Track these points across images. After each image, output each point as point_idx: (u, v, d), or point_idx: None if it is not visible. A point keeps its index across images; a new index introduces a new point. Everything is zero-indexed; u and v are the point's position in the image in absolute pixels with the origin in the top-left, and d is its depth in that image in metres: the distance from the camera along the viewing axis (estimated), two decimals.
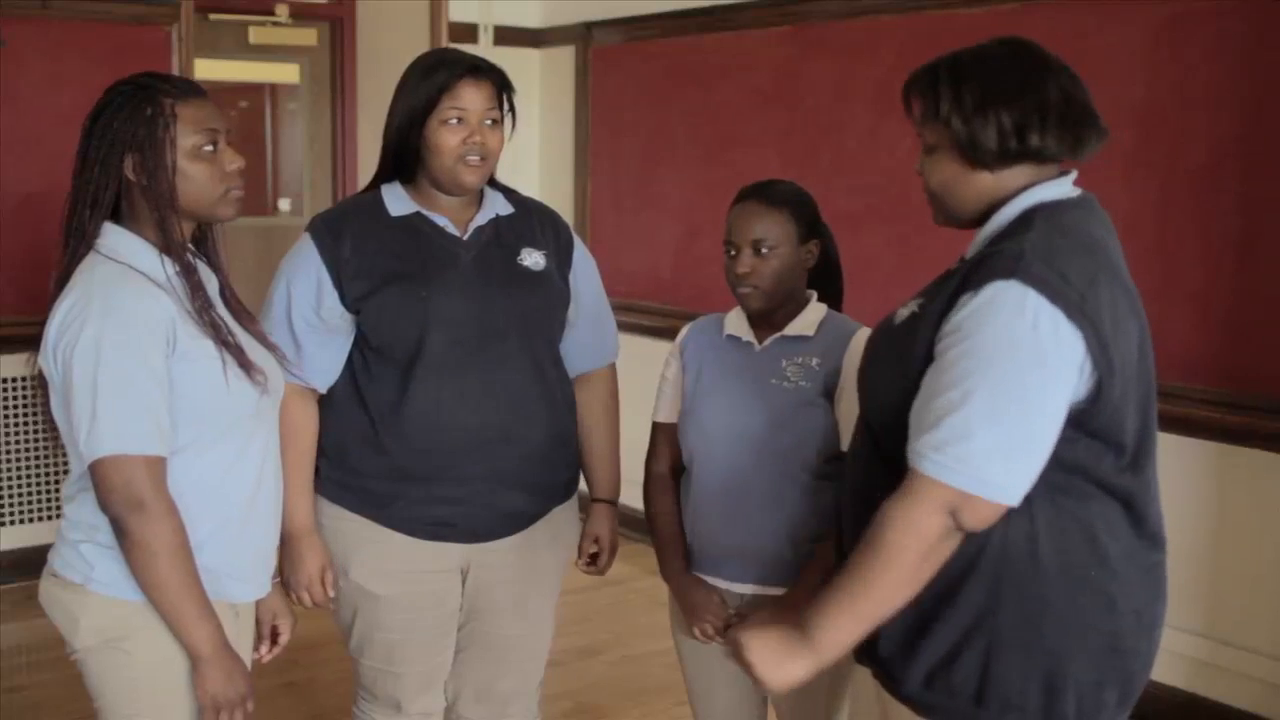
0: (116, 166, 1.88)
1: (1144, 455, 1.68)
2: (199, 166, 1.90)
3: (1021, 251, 1.59)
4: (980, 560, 1.64)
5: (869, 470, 1.76)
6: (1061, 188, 1.71)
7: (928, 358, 1.63)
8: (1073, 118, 1.67)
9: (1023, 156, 1.67)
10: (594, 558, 2.51)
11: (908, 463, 1.60)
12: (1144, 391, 1.67)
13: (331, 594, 2.30)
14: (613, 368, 2.53)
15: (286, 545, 2.25)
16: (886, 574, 1.61)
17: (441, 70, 2.21)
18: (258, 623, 2.11)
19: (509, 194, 2.38)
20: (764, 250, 2.16)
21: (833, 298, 2.31)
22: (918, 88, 1.73)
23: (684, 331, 2.36)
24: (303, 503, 2.26)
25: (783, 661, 1.67)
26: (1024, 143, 1.65)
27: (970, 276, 1.61)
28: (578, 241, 2.43)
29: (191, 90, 1.92)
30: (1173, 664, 3.35)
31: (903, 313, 1.74)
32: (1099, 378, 1.59)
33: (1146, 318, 1.71)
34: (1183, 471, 3.29)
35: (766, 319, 2.23)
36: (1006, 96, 1.65)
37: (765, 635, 1.68)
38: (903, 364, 1.67)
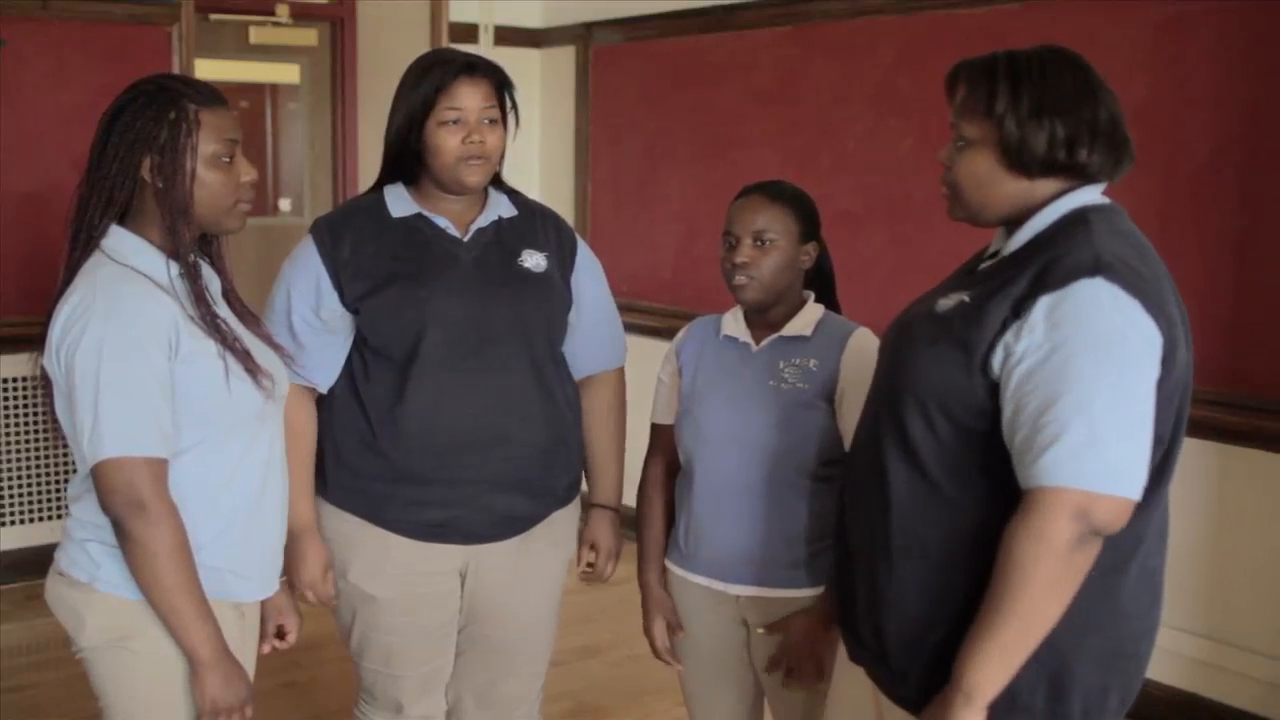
0: (134, 167, 1.87)
1: (1173, 452, 1.68)
2: (215, 175, 1.89)
3: (1097, 251, 1.59)
4: (987, 562, 1.62)
5: (882, 460, 1.73)
6: (1097, 194, 1.71)
7: (990, 351, 1.61)
8: (1117, 141, 1.68)
9: (1065, 170, 1.67)
10: (593, 564, 2.47)
11: (1028, 483, 1.57)
12: (1183, 390, 1.67)
13: (333, 592, 2.30)
14: (620, 371, 2.51)
15: (289, 545, 2.25)
16: (1023, 595, 1.55)
17: (436, 70, 2.20)
18: (263, 620, 2.10)
19: (513, 196, 2.38)
20: (764, 242, 2.16)
21: (826, 308, 2.29)
22: (971, 78, 1.70)
23: (681, 333, 2.36)
24: (304, 502, 2.26)
25: None
26: (1072, 156, 1.65)
27: (1043, 279, 1.60)
28: (582, 244, 2.42)
29: (215, 98, 1.91)
30: (1173, 664, 3.35)
31: (945, 303, 1.71)
32: (1160, 374, 1.59)
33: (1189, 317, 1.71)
34: (1183, 471, 3.24)
35: (763, 319, 2.22)
36: (1063, 107, 1.65)
37: (929, 712, 1.64)
38: (965, 350, 1.64)
